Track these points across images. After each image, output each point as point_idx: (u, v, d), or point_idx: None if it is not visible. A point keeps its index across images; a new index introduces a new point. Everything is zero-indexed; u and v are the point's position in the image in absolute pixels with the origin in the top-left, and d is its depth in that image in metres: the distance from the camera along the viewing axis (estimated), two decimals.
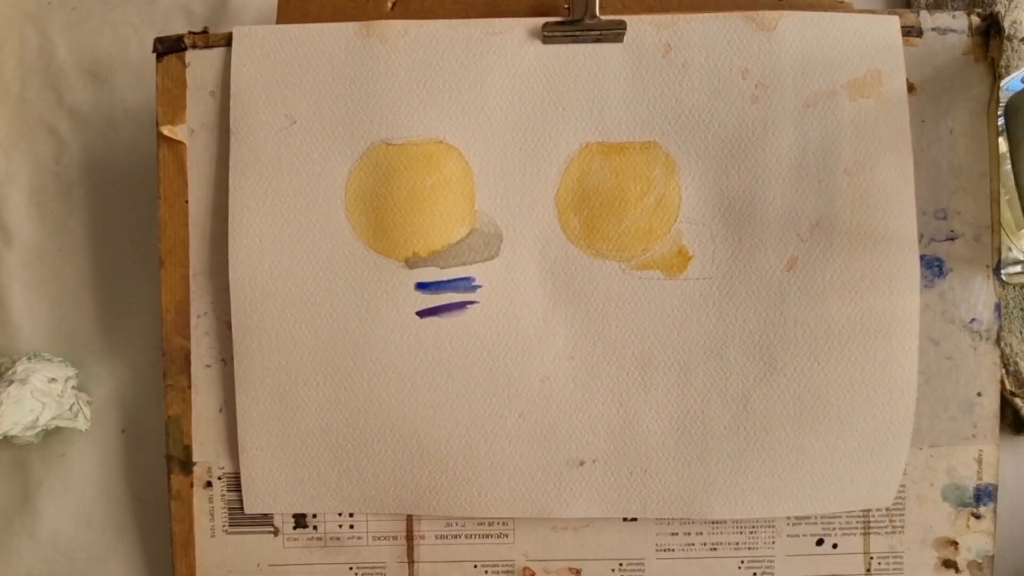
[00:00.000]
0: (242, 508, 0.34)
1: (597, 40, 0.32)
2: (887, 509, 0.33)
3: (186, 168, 0.33)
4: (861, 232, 0.32)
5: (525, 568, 0.34)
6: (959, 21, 0.32)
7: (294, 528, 0.34)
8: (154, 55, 0.33)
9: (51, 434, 0.37)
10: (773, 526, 0.33)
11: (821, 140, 0.32)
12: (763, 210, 0.32)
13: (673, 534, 0.33)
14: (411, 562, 0.34)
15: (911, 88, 0.32)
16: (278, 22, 0.34)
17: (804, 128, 0.32)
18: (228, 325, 0.33)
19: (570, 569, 0.33)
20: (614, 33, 0.32)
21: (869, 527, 0.33)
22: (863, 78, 0.32)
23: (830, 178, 0.32)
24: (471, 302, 0.33)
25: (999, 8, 0.35)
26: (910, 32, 0.32)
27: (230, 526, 0.34)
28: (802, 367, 0.32)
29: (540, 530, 0.34)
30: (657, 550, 0.33)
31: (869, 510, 0.33)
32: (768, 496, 0.33)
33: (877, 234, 0.32)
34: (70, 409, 0.36)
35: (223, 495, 0.34)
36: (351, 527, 0.34)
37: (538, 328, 0.33)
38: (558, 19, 0.32)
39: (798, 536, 0.33)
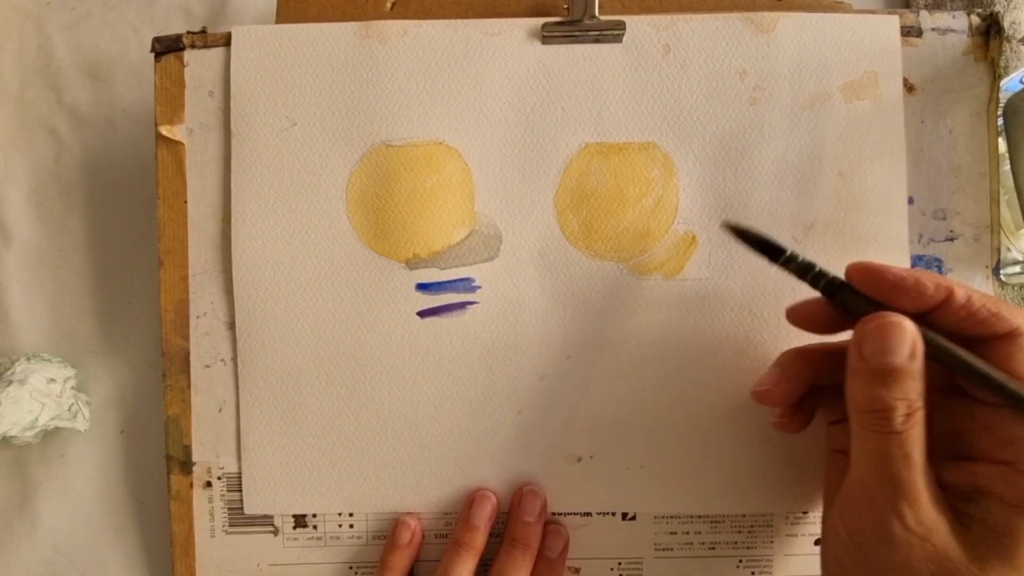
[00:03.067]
0: (242, 508, 0.34)
1: (596, 40, 0.32)
2: None
3: (185, 168, 0.33)
4: (854, 234, 0.32)
5: None
6: (959, 21, 0.32)
7: (294, 528, 0.34)
8: (152, 55, 0.33)
9: (50, 435, 0.37)
10: (772, 525, 0.33)
11: (816, 142, 0.32)
12: (759, 211, 0.32)
13: (672, 533, 0.33)
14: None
15: (911, 88, 0.32)
16: (277, 22, 0.34)
17: (800, 130, 0.32)
18: (227, 325, 0.33)
19: (569, 568, 0.33)
20: (613, 33, 0.32)
21: None
22: (859, 80, 0.32)
23: (825, 180, 0.32)
24: (471, 302, 0.33)
25: (999, 8, 0.35)
26: (910, 32, 0.32)
27: (230, 526, 0.34)
28: None
29: None
30: (656, 549, 0.33)
31: None
32: (764, 492, 0.33)
33: (869, 236, 0.32)
34: (69, 409, 0.36)
35: (223, 495, 0.34)
36: (351, 527, 0.34)
37: (537, 328, 0.33)
38: (557, 19, 0.32)
39: (796, 536, 0.33)
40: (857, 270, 0.26)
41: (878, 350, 0.24)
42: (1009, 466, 0.24)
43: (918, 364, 0.24)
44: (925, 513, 0.23)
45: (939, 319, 0.25)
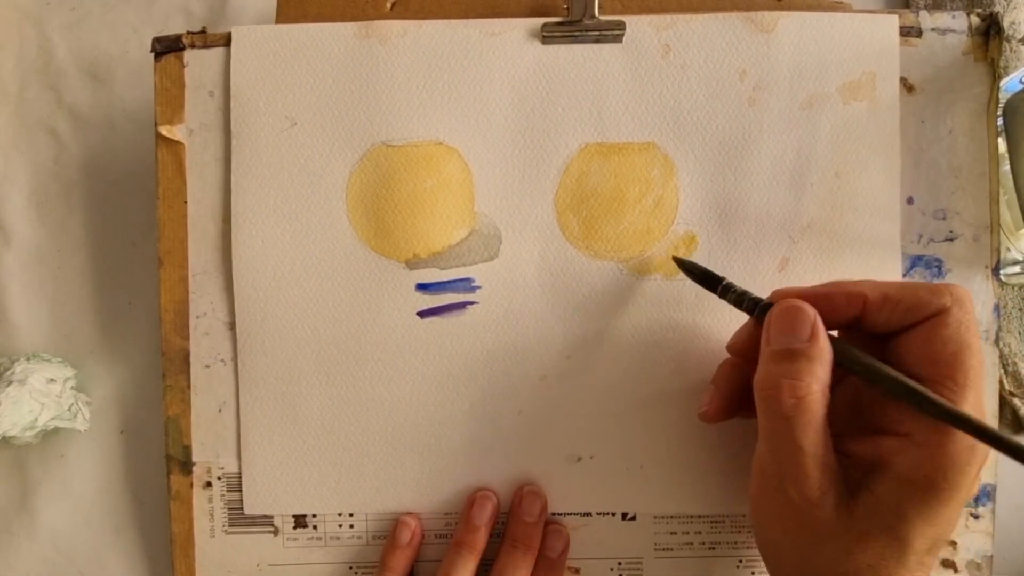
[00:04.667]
0: (242, 508, 0.34)
1: (596, 41, 0.32)
2: None
3: (185, 168, 0.33)
4: (848, 234, 0.32)
5: None
6: (959, 21, 0.32)
7: (294, 528, 0.34)
8: (152, 55, 0.33)
9: (50, 435, 0.37)
10: None
11: (814, 143, 0.32)
12: (757, 212, 0.32)
13: (672, 533, 0.33)
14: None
15: (910, 88, 0.32)
16: (277, 22, 0.34)
17: (798, 131, 0.32)
18: (227, 325, 0.33)
19: (569, 568, 0.33)
20: (613, 34, 0.32)
21: None
22: (857, 81, 0.32)
23: (821, 181, 0.32)
24: (471, 302, 0.33)
25: (998, 8, 0.35)
26: (909, 32, 0.32)
27: (230, 526, 0.34)
28: None
29: None
30: (656, 549, 0.33)
31: None
32: None
33: (863, 236, 0.32)
34: (69, 410, 0.36)
35: (223, 495, 0.34)
36: (351, 527, 0.34)
37: (537, 328, 0.33)
38: (557, 19, 0.32)
39: None
40: (780, 294, 0.27)
41: (777, 333, 0.25)
42: (907, 438, 0.24)
43: (817, 349, 0.25)
44: (810, 490, 0.24)
45: (869, 323, 0.26)
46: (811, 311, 0.25)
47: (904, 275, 0.32)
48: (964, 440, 0.23)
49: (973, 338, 0.24)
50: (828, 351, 0.25)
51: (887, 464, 0.24)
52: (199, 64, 0.33)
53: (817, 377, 0.24)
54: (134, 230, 0.38)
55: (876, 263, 0.32)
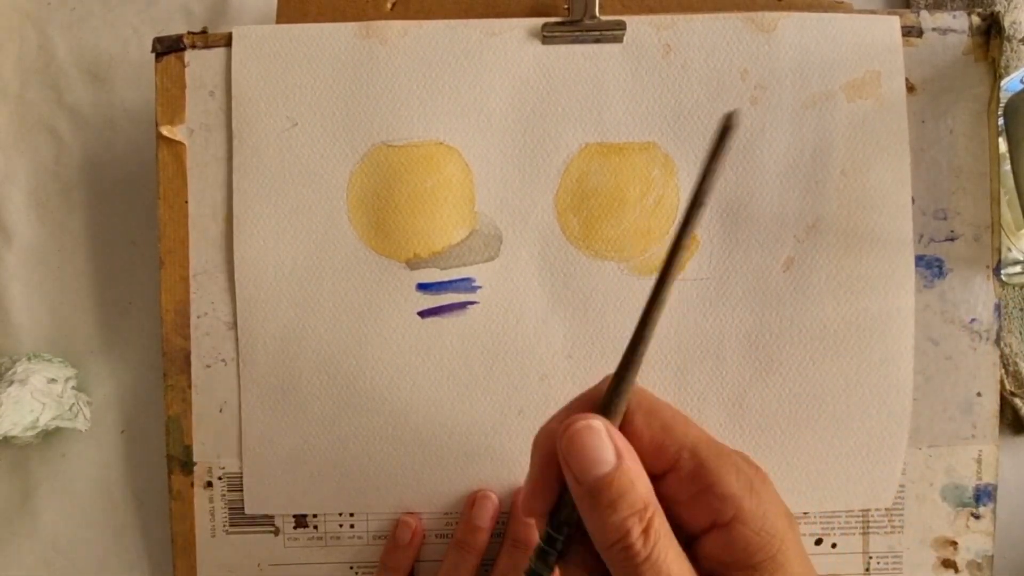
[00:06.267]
0: (243, 508, 0.34)
1: (597, 40, 0.32)
2: (886, 509, 0.33)
3: (185, 168, 0.33)
4: (857, 233, 0.32)
5: None
6: (959, 21, 0.32)
7: (294, 528, 0.34)
8: (153, 55, 0.33)
9: (51, 434, 0.37)
10: None
11: (818, 141, 0.32)
12: (760, 211, 0.32)
13: None
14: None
15: (911, 88, 0.32)
16: (278, 22, 0.34)
17: (802, 129, 0.32)
18: (228, 325, 0.33)
19: None
20: (613, 34, 0.32)
21: (868, 527, 0.33)
22: (862, 79, 0.32)
23: (827, 179, 0.32)
24: (471, 302, 0.33)
25: (999, 8, 0.35)
26: (910, 32, 0.32)
27: (230, 526, 0.34)
28: (798, 367, 0.32)
29: None
30: None
31: (868, 510, 0.33)
32: None
33: (873, 235, 0.32)
34: (70, 409, 0.36)
35: (223, 495, 0.34)
36: (351, 527, 0.34)
37: (537, 328, 0.33)
38: (558, 19, 0.32)
39: None
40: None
41: (585, 466, 0.20)
42: (723, 528, 0.21)
43: (630, 463, 0.20)
44: None
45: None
46: (602, 426, 0.20)
47: None
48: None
49: (777, 524, 0.20)
50: (637, 462, 0.21)
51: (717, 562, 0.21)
52: (200, 64, 0.33)
53: (650, 492, 0.20)
54: (134, 230, 0.38)
55: (887, 262, 0.32)
